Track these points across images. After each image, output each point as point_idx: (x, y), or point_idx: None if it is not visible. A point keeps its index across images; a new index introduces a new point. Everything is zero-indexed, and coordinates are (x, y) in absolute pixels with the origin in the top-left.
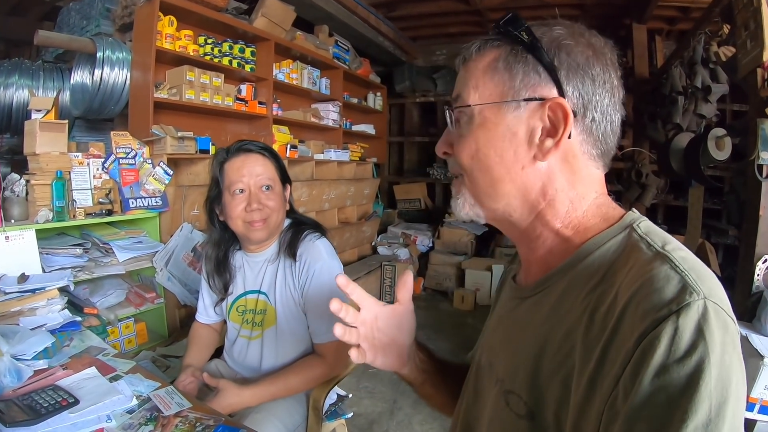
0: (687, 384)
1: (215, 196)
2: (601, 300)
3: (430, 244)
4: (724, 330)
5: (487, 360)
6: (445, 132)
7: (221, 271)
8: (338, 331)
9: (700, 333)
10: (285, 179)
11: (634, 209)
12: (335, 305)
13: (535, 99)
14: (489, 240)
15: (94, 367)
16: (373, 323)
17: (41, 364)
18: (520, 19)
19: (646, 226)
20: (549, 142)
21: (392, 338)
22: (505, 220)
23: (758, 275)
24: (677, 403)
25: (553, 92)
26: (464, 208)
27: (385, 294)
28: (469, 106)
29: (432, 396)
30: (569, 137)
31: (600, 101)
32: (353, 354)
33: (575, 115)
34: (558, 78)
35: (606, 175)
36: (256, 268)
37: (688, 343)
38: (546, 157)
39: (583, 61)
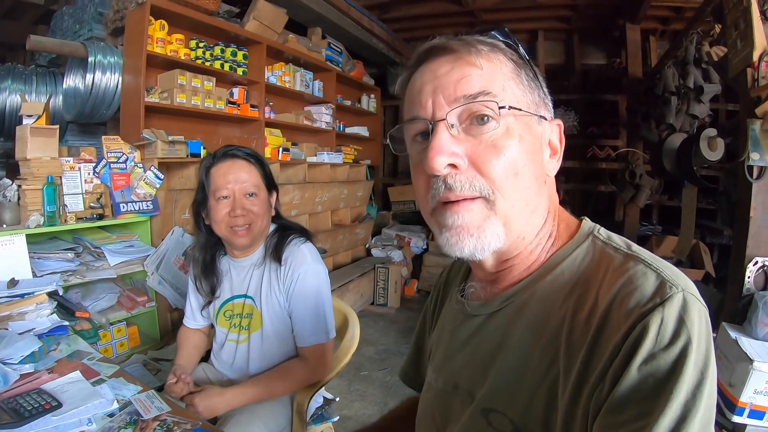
0: (672, 368)
1: (201, 200)
2: (580, 305)
3: (424, 246)
4: (700, 318)
5: (448, 382)
6: (445, 138)
7: (208, 274)
8: None
9: (682, 322)
10: (271, 186)
11: (586, 218)
12: None
13: (545, 119)
14: None
15: (78, 371)
16: None
17: (27, 368)
18: (522, 46)
19: (605, 232)
20: (554, 160)
21: None
22: (509, 248)
23: (749, 277)
24: (664, 386)
25: (550, 115)
26: (486, 237)
27: (379, 296)
28: (521, 110)
29: None
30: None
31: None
32: None
33: None
34: (549, 104)
35: (599, 176)
36: (242, 272)
37: (672, 332)
38: (552, 174)
39: (547, 91)
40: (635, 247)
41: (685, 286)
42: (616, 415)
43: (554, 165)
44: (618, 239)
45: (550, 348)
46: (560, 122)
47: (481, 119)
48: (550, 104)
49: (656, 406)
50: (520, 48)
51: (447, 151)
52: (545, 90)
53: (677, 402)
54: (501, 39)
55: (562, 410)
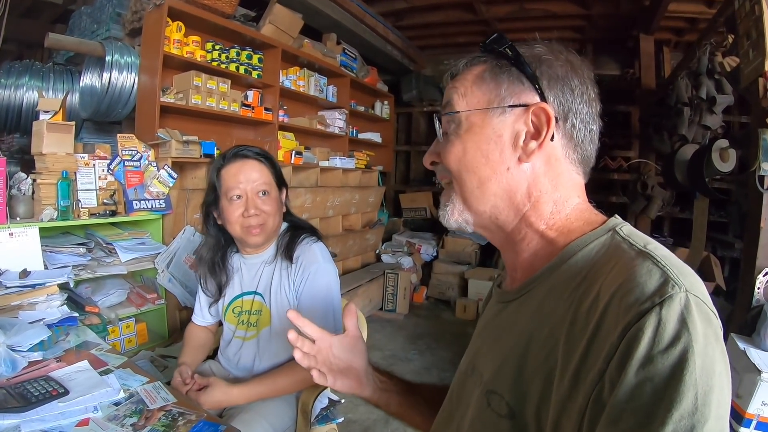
0: (672, 373)
1: (212, 201)
2: (584, 297)
3: (434, 254)
4: (707, 322)
5: (469, 364)
6: (434, 143)
7: (216, 273)
8: (297, 355)
9: (683, 324)
10: (281, 183)
11: (616, 215)
12: (292, 336)
13: (519, 105)
14: (493, 250)
15: (86, 361)
16: (328, 351)
17: (36, 355)
18: (504, 37)
19: (628, 229)
20: (533, 144)
21: (348, 363)
22: (492, 224)
23: (758, 288)
24: (662, 392)
25: (536, 99)
26: (453, 215)
27: (388, 302)
28: (458, 112)
29: (403, 415)
30: (552, 139)
31: (579, 110)
32: (315, 375)
33: (557, 121)
34: (540, 87)
35: (611, 187)
36: (253, 269)
37: (672, 334)
38: (530, 158)
39: (562, 73)
40: (653, 245)
41: (690, 287)
42: (614, 426)
43: (533, 148)
44: (639, 236)
45: (551, 338)
46: (543, 105)
47: (445, 129)
48: (543, 86)
49: (655, 416)
50: (499, 47)
51: (430, 153)
52: (532, 78)
53: (679, 412)
54: (483, 47)
55: (556, 403)
